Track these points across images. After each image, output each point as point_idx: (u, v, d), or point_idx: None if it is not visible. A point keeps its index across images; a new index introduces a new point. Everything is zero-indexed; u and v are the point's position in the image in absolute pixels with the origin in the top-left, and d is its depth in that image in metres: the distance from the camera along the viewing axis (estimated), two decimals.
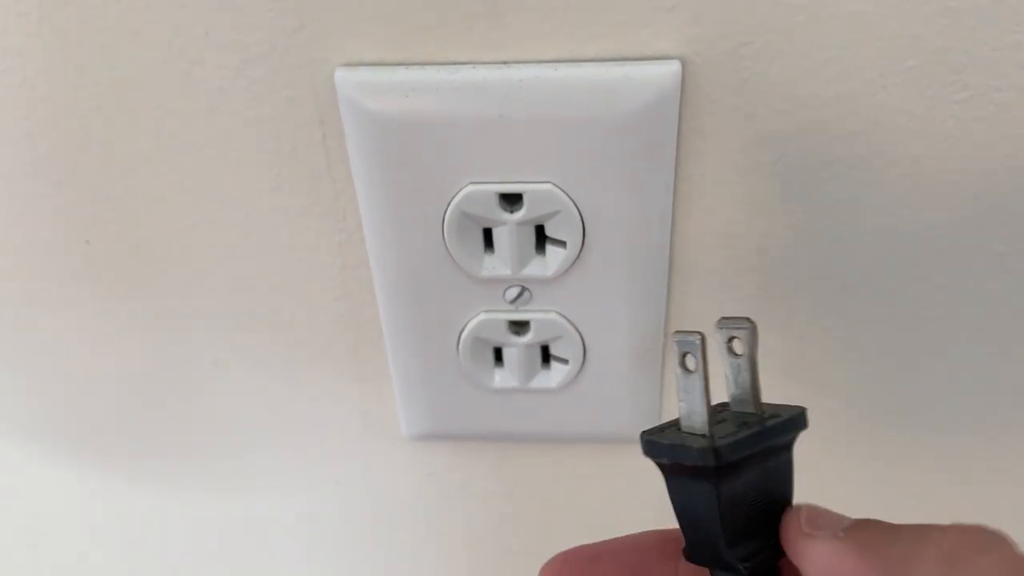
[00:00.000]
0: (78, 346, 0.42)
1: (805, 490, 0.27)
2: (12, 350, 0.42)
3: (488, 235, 0.35)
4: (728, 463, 0.24)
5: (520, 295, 0.36)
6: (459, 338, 0.38)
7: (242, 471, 0.46)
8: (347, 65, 0.32)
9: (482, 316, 0.37)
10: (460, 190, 0.33)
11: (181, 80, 0.33)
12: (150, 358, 0.42)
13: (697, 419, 0.25)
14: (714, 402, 0.26)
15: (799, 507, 0.25)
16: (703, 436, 0.25)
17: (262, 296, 0.39)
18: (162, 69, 0.33)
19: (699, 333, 0.25)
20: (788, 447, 0.26)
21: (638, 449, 0.42)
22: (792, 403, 0.27)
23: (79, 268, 0.39)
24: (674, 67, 0.30)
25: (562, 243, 0.34)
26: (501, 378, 0.39)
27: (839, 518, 0.24)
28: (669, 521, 0.27)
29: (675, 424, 0.26)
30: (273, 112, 0.33)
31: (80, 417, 0.45)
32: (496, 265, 0.35)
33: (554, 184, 0.33)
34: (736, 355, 0.26)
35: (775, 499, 0.26)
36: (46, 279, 0.39)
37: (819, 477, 0.39)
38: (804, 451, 0.27)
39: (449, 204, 0.33)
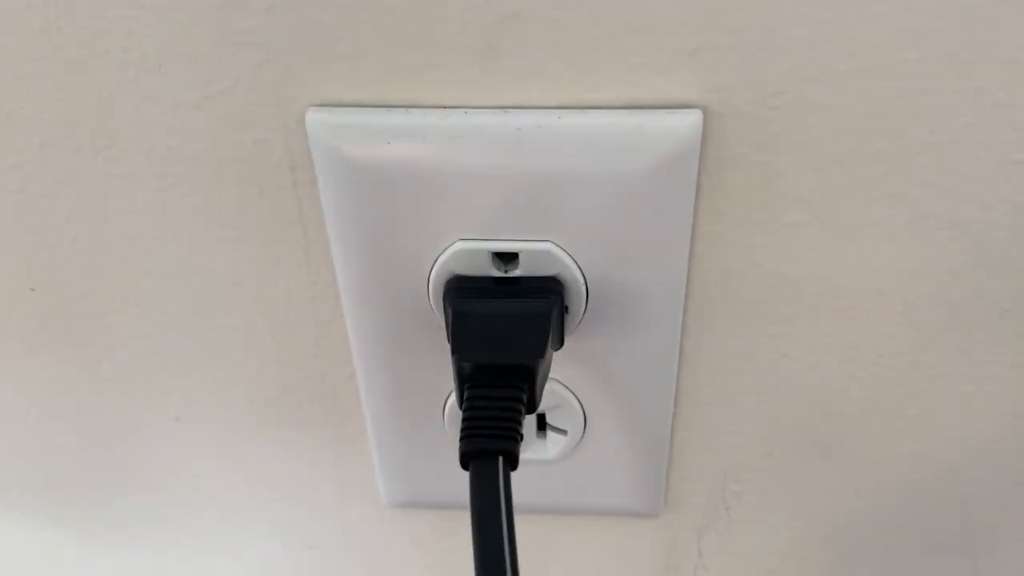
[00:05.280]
0: (24, 400, 0.38)
1: None
2: None
3: None
4: None
5: None
6: (444, 405, 0.34)
7: (207, 533, 0.42)
8: (321, 105, 0.28)
9: None
10: (448, 247, 0.29)
11: (133, 117, 0.29)
12: (105, 414, 0.38)
13: None
14: None
15: None
16: None
17: (227, 351, 0.35)
18: (111, 105, 0.29)
19: None
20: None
21: (635, 524, 0.39)
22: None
23: (24, 318, 0.35)
24: (695, 117, 0.27)
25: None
26: None
27: None
28: None
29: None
30: (237, 155, 0.29)
31: (30, 474, 0.41)
32: None
33: (554, 243, 0.29)
34: None
35: None
36: None
37: None
38: None
39: (435, 262, 0.30)
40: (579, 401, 0.34)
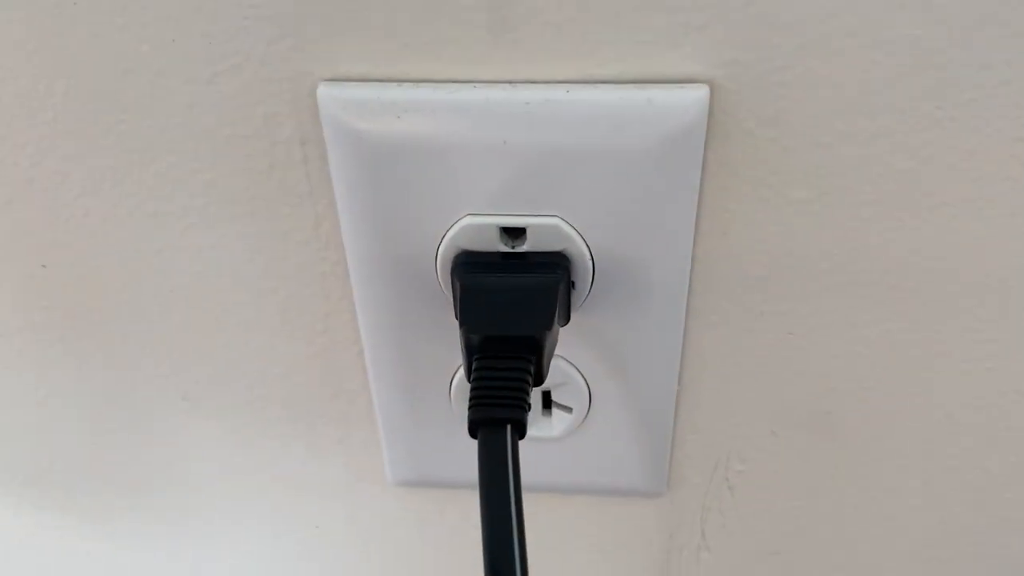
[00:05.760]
0: (33, 378, 0.38)
1: None
2: None
3: None
4: None
5: None
6: (451, 382, 0.34)
7: (214, 512, 0.43)
8: (332, 80, 0.28)
9: None
10: (456, 222, 0.30)
11: (146, 93, 0.29)
12: (112, 392, 0.38)
13: None
14: None
15: None
16: None
17: (234, 329, 0.35)
18: (124, 80, 0.29)
19: None
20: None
21: (638, 503, 0.39)
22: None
23: (34, 294, 0.35)
24: (702, 92, 0.27)
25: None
26: None
27: None
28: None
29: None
30: (248, 130, 0.30)
31: (38, 456, 0.41)
32: None
33: (562, 219, 0.29)
34: None
35: None
36: None
37: None
38: None
39: (444, 237, 0.30)
40: (584, 379, 0.34)
